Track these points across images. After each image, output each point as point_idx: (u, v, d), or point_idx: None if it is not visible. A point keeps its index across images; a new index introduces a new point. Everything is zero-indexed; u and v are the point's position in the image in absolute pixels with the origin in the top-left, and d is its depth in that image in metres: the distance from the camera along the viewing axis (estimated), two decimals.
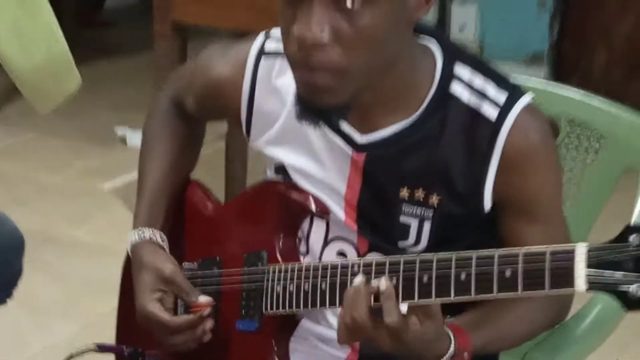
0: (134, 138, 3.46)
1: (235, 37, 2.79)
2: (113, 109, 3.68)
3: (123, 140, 3.49)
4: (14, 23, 1.56)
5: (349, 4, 1.14)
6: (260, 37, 1.37)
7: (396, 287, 1.14)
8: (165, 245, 1.40)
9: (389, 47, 1.19)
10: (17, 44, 1.57)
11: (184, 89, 1.45)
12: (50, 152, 3.40)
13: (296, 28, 1.16)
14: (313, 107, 1.23)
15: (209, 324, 1.34)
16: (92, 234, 2.85)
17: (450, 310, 1.21)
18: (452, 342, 1.19)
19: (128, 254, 1.44)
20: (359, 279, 1.15)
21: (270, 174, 1.38)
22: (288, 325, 1.35)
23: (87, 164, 3.33)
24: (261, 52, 1.35)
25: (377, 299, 1.14)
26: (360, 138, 1.28)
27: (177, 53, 2.87)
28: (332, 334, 1.31)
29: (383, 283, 1.13)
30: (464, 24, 3.85)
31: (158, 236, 1.40)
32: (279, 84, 1.33)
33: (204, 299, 1.35)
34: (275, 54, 1.34)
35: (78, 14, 4.21)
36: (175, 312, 1.37)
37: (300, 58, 1.18)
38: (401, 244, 1.29)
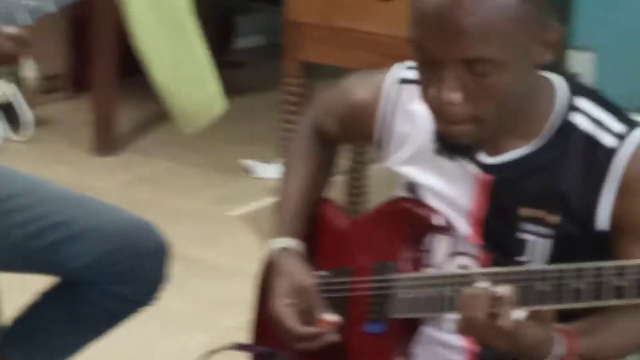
0: (259, 169, 3.66)
1: None
2: (240, 142, 3.89)
3: (249, 171, 3.68)
4: (171, 55, 1.75)
5: (479, 70, 1.29)
6: (396, 66, 1.53)
7: (514, 295, 1.26)
8: (304, 256, 1.57)
9: (517, 95, 1.33)
10: (172, 74, 1.75)
11: (326, 113, 1.62)
12: (183, 181, 3.62)
13: (431, 90, 1.32)
14: (450, 146, 1.39)
15: (331, 337, 1.49)
16: (221, 257, 3.04)
17: (561, 316, 1.34)
18: (563, 345, 1.32)
19: (266, 262, 1.60)
20: (482, 284, 1.28)
21: (400, 191, 1.53)
22: (411, 329, 1.49)
23: (217, 192, 3.53)
24: (396, 79, 1.51)
25: (495, 303, 1.25)
26: (487, 160, 1.41)
27: (304, 91, 3.03)
28: (452, 340, 1.45)
29: (503, 290, 1.26)
30: (580, 70, 3.92)
31: (299, 247, 1.56)
32: (412, 108, 1.48)
33: (330, 317, 1.49)
34: (409, 81, 1.49)
35: (210, 56, 4.45)
36: (303, 320, 1.51)
37: (435, 112, 1.34)
38: (519, 259, 1.41)
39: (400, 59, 1.51)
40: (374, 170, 3.01)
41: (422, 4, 1.31)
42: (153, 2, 1.66)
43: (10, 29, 1.57)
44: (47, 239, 1.67)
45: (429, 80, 1.33)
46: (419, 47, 1.32)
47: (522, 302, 1.28)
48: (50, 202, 1.70)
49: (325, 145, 1.64)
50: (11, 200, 1.69)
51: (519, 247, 1.41)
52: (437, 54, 1.30)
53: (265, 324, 1.58)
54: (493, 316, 1.26)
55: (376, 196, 1.59)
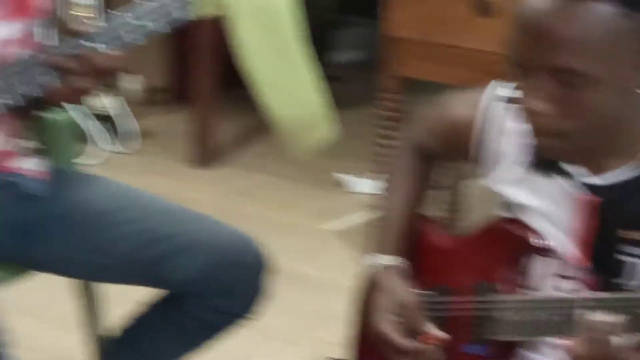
0: (353, 184, 3.68)
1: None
2: (335, 156, 3.92)
3: (343, 186, 3.71)
4: (277, 78, 1.78)
5: (569, 82, 1.28)
6: (493, 83, 1.54)
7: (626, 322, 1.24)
8: (407, 274, 1.58)
9: (608, 115, 1.32)
10: (279, 97, 1.78)
11: (425, 130, 1.64)
12: (279, 194, 3.66)
13: (525, 99, 1.32)
14: (544, 161, 1.40)
15: (435, 355, 1.49)
16: (317, 270, 3.07)
17: None
18: None
19: (367, 278, 1.62)
20: (600, 315, 1.25)
21: (499, 209, 1.54)
22: (510, 351, 1.48)
23: (312, 205, 3.57)
24: (493, 96, 1.52)
25: (615, 331, 1.23)
26: (592, 181, 1.41)
27: (401, 107, 3.04)
28: None
29: (619, 318, 1.24)
30: None
31: (403, 265, 1.58)
32: (508, 126, 1.49)
33: (437, 332, 1.50)
34: (505, 98, 1.50)
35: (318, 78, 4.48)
36: (406, 337, 1.50)
37: (530, 122, 1.35)
38: (622, 281, 1.40)
39: (499, 75, 1.52)
40: (472, 186, 3.00)
41: (524, 8, 1.32)
42: (258, 21, 1.69)
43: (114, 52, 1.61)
44: (154, 252, 1.71)
45: (523, 89, 1.34)
46: (514, 52, 1.33)
47: (630, 329, 1.27)
48: (157, 216, 1.75)
49: (426, 162, 1.66)
50: (120, 212, 1.74)
51: (618, 269, 1.40)
52: (529, 59, 1.30)
53: (366, 339, 1.59)
54: (612, 344, 1.24)
55: (474, 212, 1.59)
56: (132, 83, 3.81)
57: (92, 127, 3.71)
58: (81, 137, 3.66)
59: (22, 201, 1.74)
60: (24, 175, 1.77)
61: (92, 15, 3.62)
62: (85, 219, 1.73)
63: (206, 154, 3.83)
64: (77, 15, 3.57)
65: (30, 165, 1.79)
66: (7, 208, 1.72)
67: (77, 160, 2.02)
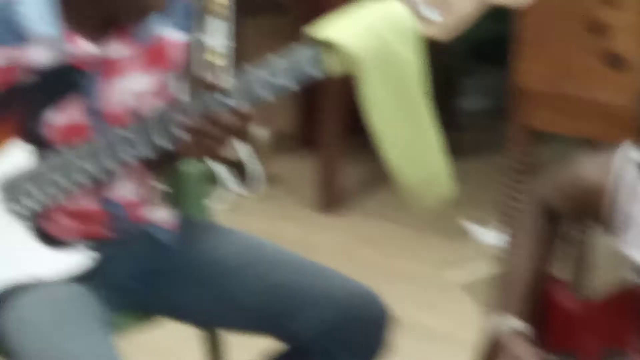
0: (478, 233, 3.64)
1: (586, 146, 2.90)
2: (460, 205, 3.89)
3: (468, 235, 3.67)
4: (401, 136, 1.79)
5: None
6: (625, 146, 1.51)
7: None
8: (533, 340, 1.56)
9: None
10: (402, 154, 1.79)
11: (554, 190, 1.62)
12: (402, 242, 3.65)
13: None
14: None
15: None
16: (438, 321, 3.04)
17: None
18: None
19: (491, 339, 1.60)
20: None
21: (629, 273, 1.50)
22: None
23: (435, 255, 3.54)
24: (625, 158, 1.50)
25: None
26: None
27: (529, 159, 3.00)
28: None
29: None
30: None
31: (528, 331, 1.56)
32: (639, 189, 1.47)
33: None
34: (637, 161, 1.47)
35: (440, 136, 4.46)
36: None
37: None
38: None
39: (630, 130, 1.49)
40: (601, 245, 2.94)
41: None
42: (386, 78, 1.70)
43: (235, 109, 1.64)
44: (281, 306, 1.73)
45: None
46: None
47: None
48: (284, 270, 1.77)
49: (553, 222, 1.64)
50: (249, 267, 1.76)
51: None
52: None
53: None
54: None
55: (603, 272, 1.56)
56: (260, 128, 3.88)
57: (220, 170, 3.79)
58: (210, 180, 3.74)
59: (152, 250, 1.79)
60: (155, 225, 1.81)
61: (224, 63, 3.73)
62: (213, 271, 1.76)
63: (331, 199, 3.86)
64: (210, 62, 3.68)
65: (161, 216, 1.84)
66: (137, 256, 1.77)
67: (206, 204, 2.06)
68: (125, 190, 1.76)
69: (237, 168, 3.84)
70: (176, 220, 1.86)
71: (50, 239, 1.65)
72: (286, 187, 4.06)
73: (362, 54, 1.67)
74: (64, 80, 1.64)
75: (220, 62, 3.75)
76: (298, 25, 4.10)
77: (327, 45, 1.67)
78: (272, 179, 4.02)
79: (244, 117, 1.65)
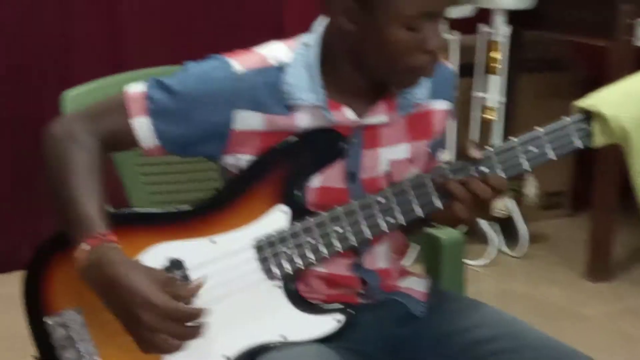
0: None
1: None
2: None
3: None
4: None
5: None
6: None
7: None
8: None
9: None
10: None
11: None
12: None
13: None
14: None
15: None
16: None
17: None
18: None
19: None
20: None
21: None
22: None
23: None
24: None
25: None
26: None
27: None
28: None
29: None
30: None
31: None
32: None
33: None
34: None
35: None
36: None
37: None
38: None
39: None
40: None
41: None
42: None
43: (496, 178, 1.61)
44: None
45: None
46: None
47: None
48: (531, 351, 1.68)
49: None
50: (494, 342, 1.70)
51: None
52: None
53: None
54: None
55: None
56: (530, 186, 3.77)
57: (484, 225, 3.72)
58: (471, 234, 3.69)
59: (400, 318, 1.76)
60: (405, 294, 1.78)
61: (497, 118, 3.66)
62: (458, 346, 1.71)
63: (601, 266, 3.67)
64: (482, 117, 3.64)
65: (411, 285, 1.80)
66: (384, 323, 1.75)
67: (461, 275, 2.01)
68: (378, 258, 1.75)
69: (502, 224, 3.76)
70: (427, 290, 1.81)
71: (301, 301, 1.66)
72: (552, 248, 3.93)
73: (629, 126, 1.61)
74: (325, 146, 1.65)
75: (492, 117, 3.70)
76: (576, 84, 3.99)
77: (594, 116, 1.62)
78: (538, 239, 3.90)
79: (503, 185, 1.62)
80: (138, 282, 1.49)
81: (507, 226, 3.80)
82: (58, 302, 1.62)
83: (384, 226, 1.63)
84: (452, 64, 3.52)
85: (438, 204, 1.63)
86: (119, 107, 1.63)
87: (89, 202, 1.55)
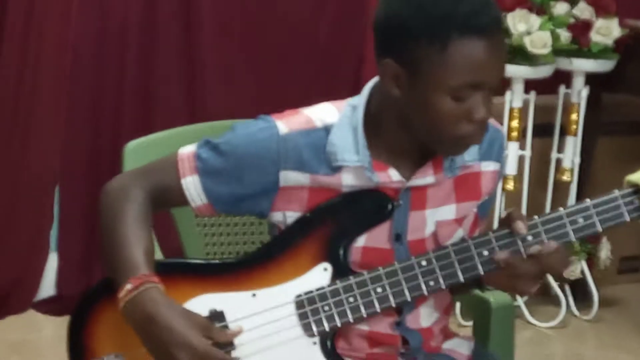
0: None
1: None
2: None
3: None
4: None
5: None
6: None
7: None
8: None
9: None
10: None
11: None
12: None
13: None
14: None
15: None
16: None
17: None
18: None
19: None
20: None
21: None
22: None
23: None
24: None
25: None
26: None
27: None
28: None
29: None
30: None
31: None
32: None
33: None
34: None
35: None
36: None
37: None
38: None
39: None
40: None
41: None
42: None
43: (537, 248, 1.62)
44: None
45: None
46: None
47: None
48: None
49: None
50: None
51: None
52: None
53: None
54: None
55: None
56: (603, 248, 3.72)
57: (554, 285, 3.67)
58: (541, 295, 3.65)
59: None
60: (447, 357, 1.78)
61: (571, 179, 3.62)
62: None
63: None
64: (557, 178, 3.60)
65: (455, 347, 1.80)
66: None
67: (509, 339, 2.00)
68: (422, 317, 1.75)
69: (573, 286, 3.70)
70: (471, 353, 1.81)
71: (337, 358, 1.68)
72: (624, 313, 3.85)
73: None
74: (372, 207, 1.68)
75: (567, 178, 3.67)
76: None
77: None
78: (610, 303, 3.83)
79: (551, 254, 1.63)
80: (178, 322, 1.54)
81: (579, 288, 3.74)
82: (101, 347, 1.68)
83: (424, 289, 1.65)
84: (527, 123, 3.52)
85: (481, 271, 1.65)
86: (171, 166, 1.69)
87: (135, 247, 1.61)
